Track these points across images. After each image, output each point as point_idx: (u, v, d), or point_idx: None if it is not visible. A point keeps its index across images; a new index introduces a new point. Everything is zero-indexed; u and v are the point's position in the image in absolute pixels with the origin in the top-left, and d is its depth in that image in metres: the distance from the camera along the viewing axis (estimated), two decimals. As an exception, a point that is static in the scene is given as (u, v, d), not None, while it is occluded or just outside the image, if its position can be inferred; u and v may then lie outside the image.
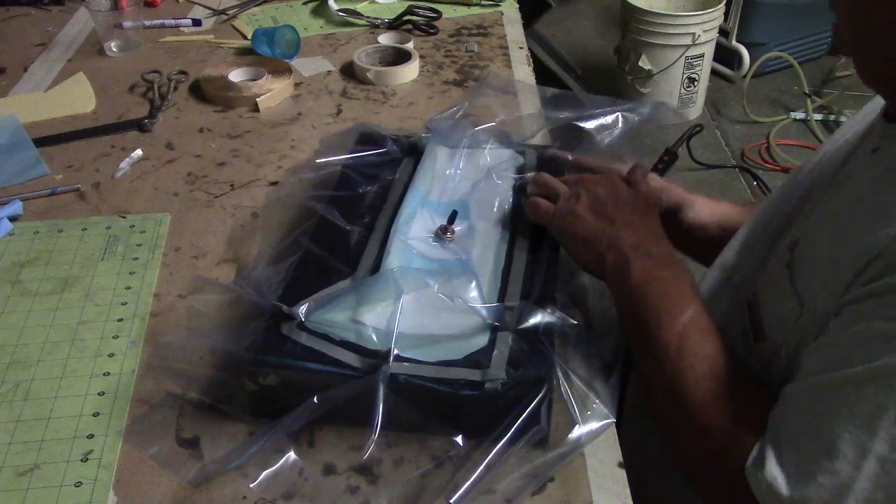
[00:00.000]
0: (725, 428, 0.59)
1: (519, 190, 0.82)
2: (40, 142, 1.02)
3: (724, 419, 0.60)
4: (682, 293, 0.66)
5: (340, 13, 1.35)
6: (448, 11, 1.37)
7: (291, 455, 0.61)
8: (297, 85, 1.17)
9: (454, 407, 0.61)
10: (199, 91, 1.14)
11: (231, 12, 1.40)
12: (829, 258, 0.60)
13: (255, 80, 1.14)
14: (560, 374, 0.62)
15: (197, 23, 1.36)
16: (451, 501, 0.57)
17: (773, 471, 0.54)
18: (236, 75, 1.15)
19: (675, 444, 0.65)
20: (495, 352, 0.63)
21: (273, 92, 1.11)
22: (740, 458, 0.57)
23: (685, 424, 0.62)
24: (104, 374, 0.69)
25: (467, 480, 0.58)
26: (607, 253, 0.70)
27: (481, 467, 0.58)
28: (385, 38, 1.29)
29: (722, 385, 0.61)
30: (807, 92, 2.48)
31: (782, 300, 0.63)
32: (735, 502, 0.57)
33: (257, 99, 1.09)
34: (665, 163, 1.01)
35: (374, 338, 0.63)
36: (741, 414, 0.59)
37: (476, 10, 1.39)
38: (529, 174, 0.84)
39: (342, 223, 0.77)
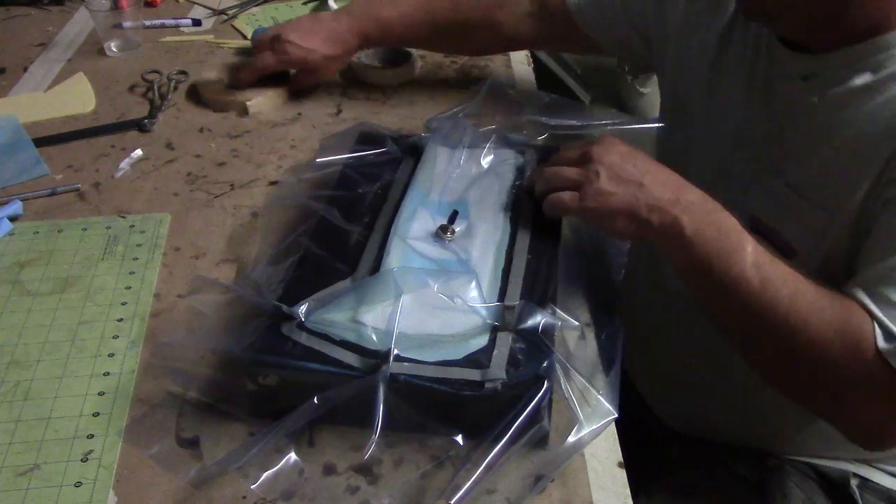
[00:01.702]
0: (837, 328, 0.62)
1: (521, 190, 0.82)
2: (40, 142, 1.02)
3: (832, 322, 0.63)
4: (736, 228, 0.67)
5: (340, 13, 1.35)
6: (448, 11, 1.37)
7: (291, 455, 0.61)
8: (296, 85, 1.16)
9: (454, 407, 0.61)
10: (196, 93, 1.14)
11: (231, 12, 1.40)
12: (838, 170, 0.69)
13: None
14: (560, 373, 0.62)
15: (197, 23, 1.36)
16: (452, 502, 0.57)
17: None
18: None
19: (790, 371, 0.67)
20: (495, 352, 0.63)
21: (265, 97, 1.10)
22: (867, 345, 0.60)
23: (795, 346, 0.64)
24: (104, 374, 0.69)
25: (468, 480, 0.58)
26: (650, 216, 0.68)
27: (482, 467, 0.58)
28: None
29: (811, 293, 0.64)
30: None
31: (804, 215, 0.72)
32: (875, 391, 0.61)
33: (248, 103, 1.08)
34: None
35: (374, 338, 0.63)
36: (842, 308, 0.63)
37: (476, 10, 1.39)
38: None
39: (342, 223, 0.77)
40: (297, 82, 1.12)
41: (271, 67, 1.08)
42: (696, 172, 0.70)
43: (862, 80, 0.69)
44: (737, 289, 0.65)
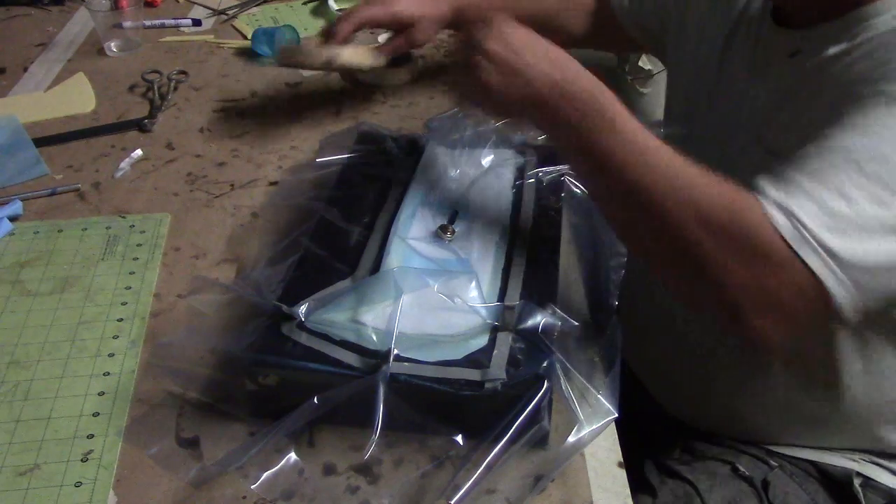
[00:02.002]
0: (726, 201, 0.60)
1: (521, 189, 0.82)
2: (40, 142, 1.02)
3: (720, 193, 0.61)
4: (619, 115, 0.64)
5: (340, 13, 1.35)
6: (448, 11, 1.37)
7: (291, 455, 0.61)
8: (295, 84, 1.16)
9: (454, 407, 0.61)
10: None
11: (231, 12, 1.40)
12: (810, 131, 0.68)
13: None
14: (560, 373, 0.62)
15: (197, 23, 1.36)
16: (452, 502, 0.57)
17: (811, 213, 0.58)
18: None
19: (674, 245, 0.64)
20: (495, 352, 0.63)
21: (355, 49, 1.02)
22: (757, 219, 0.59)
23: (680, 212, 0.61)
24: (104, 374, 0.69)
25: (468, 480, 0.58)
26: (533, 108, 0.66)
27: (482, 467, 0.58)
28: (385, 38, 1.28)
29: (701, 176, 0.62)
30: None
31: None
32: (761, 265, 0.59)
33: (337, 51, 1.00)
34: None
35: (374, 338, 0.63)
36: (732, 187, 0.61)
37: (476, 10, 1.39)
38: (530, 177, 0.84)
39: (342, 223, 0.77)
40: (394, 46, 1.05)
41: (375, 19, 1.03)
42: (700, 159, 0.70)
43: (837, 48, 0.71)
44: (620, 178, 0.63)
